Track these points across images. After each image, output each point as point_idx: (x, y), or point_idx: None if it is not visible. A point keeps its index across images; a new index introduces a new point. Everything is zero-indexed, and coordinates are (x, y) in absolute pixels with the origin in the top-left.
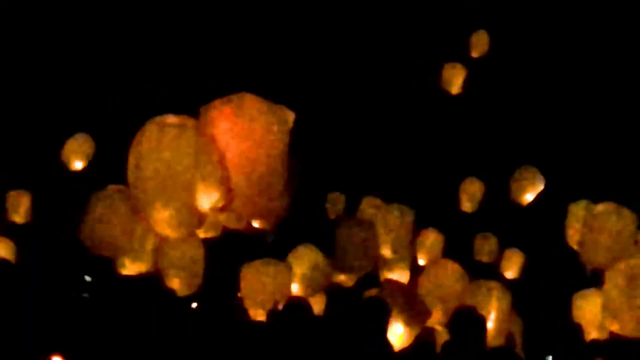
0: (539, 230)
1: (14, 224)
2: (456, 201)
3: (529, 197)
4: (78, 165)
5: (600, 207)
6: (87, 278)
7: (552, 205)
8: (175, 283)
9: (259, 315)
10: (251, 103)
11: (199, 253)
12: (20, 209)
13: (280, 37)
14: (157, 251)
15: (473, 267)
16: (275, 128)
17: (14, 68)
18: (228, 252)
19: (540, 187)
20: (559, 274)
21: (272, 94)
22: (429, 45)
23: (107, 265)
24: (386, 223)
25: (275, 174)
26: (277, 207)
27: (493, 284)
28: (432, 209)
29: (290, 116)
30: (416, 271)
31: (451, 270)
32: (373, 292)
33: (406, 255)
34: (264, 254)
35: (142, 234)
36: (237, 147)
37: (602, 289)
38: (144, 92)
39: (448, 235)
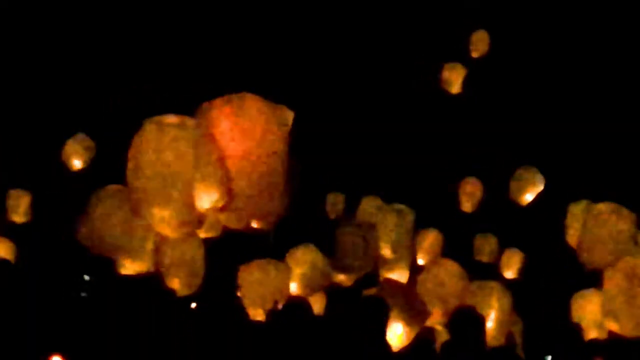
0: (539, 230)
1: (14, 224)
2: (456, 201)
3: (529, 197)
4: (78, 165)
5: (600, 207)
6: (87, 278)
7: (552, 205)
8: (175, 283)
9: (258, 315)
10: (251, 103)
11: (199, 253)
12: (20, 209)
13: (280, 37)
14: (157, 251)
15: (473, 267)
16: (275, 128)
17: (14, 68)
18: (228, 252)
19: (540, 187)
20: (559, 274)
21: (272, 94)
22: (429, 45)
23: (107, 265)
24: (386, 223)
25: (275, 174)
26: (277, 207)
27: (493, 284)
28: (432, 209)
29: (290, 116)
30: (416, 271)
31: (451, 270)
32: (372, 291)
33: (406, 255)
34: (264, 254)
35: (142, 234)
36: (237, 147)
37: (601, 289)
38: (144, 92)
39: (448, 235)
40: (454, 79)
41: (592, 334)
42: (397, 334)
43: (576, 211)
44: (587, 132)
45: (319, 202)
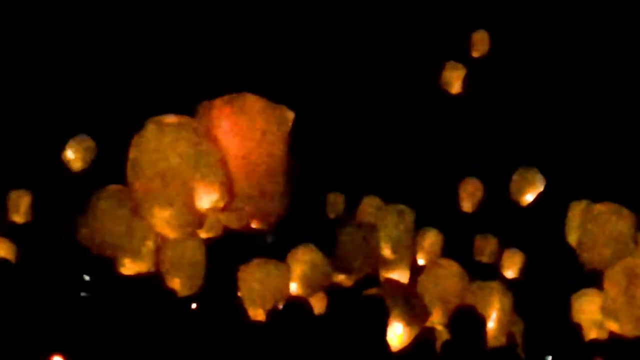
0: (539, 230)
1: (14, 224)
2: (456, 201)
3: (529, 197)
4: (78, 165)
5: (600, 207)
6: (87, 278)
7: (552, 205)
8: (175, 283)
9: (258, 315)
10: (251, 103)
11: (199, 253)
12: (20, 209)
13: (280, 37)
14: (158, 251)
15: (473, 267)
16: (275, 128)
17: (15, 68)
18: (228, 252)
19: (540, 187)
20: (559, 274)
21: (272, 94)
22: (429, 45)
23: (107, 265)
24: (386, 223)
25: (275, 174)
26: (277, 207)
27: (493, 284)
28: (432, 209)
29: (290, 116)
30: (416, 271)
31: (451, 270)
32: (373, 292)
33: (406, 255)
34: (264, 254)
35: (142, 234)
36: (237, 147)
37: (601, 289)
38: (144, 92)
39: (448, 235)
40: (454, 79)
41: (592, 334)
42: (397, 334)
43: (576, 211)
44: (587, 132)
45: (319, 202)
